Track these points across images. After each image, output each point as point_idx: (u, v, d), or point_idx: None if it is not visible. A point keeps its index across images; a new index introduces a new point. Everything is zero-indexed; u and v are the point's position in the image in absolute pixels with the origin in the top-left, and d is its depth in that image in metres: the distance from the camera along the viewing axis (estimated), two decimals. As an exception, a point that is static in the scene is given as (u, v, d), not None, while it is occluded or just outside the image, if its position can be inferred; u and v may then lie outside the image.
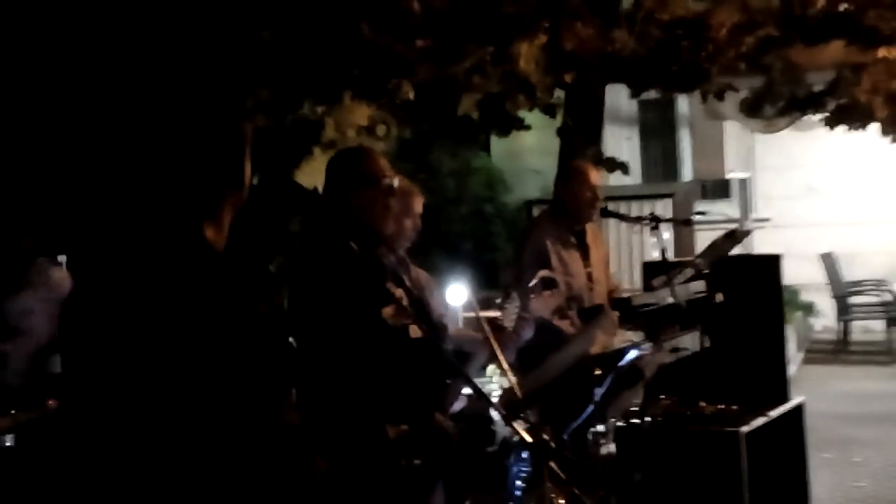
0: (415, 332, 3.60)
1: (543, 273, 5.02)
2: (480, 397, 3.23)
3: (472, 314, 4.28)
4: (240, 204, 2.35)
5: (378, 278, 3.59)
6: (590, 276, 5.58)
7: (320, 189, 3.79)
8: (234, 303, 2.16)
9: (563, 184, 5.67)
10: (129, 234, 2.30)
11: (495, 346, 3.55)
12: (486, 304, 5.07)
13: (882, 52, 8.27)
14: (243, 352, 2.12)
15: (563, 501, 3.74)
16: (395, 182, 3.77)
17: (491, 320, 4.04)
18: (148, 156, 2.32)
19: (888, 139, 9.73)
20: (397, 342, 3.53)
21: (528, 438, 3.01)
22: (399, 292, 3.63)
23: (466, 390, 4.37)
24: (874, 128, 9.68)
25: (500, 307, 4.10)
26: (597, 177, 5.62)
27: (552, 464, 2.98)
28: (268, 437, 2.13)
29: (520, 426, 3.04)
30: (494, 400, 3.90)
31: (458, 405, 4.45)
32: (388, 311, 3.54)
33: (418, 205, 4.37)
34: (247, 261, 2.38)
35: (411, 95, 6.81)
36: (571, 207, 5.55)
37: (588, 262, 5.55)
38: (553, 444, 3.14)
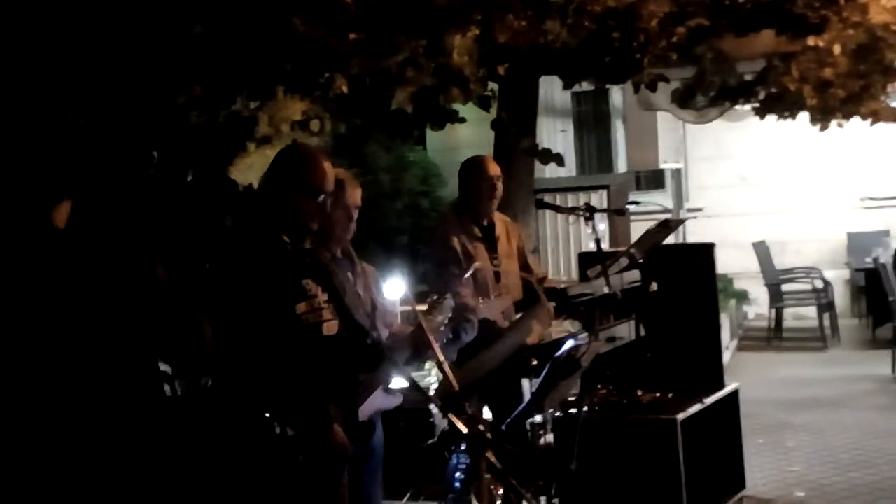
0: (329, 328, 3.58)
1: (477, 265, 5.03)
2: (417, 390, 3.23)
3: (408, 308, 4.27)
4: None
5: (295, 274, 3.56)
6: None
7: (255, 185, 3.77)
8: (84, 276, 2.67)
9: (463, 178, 5.66)
10: None
11: (432, 340, 3.55)
12: (422, 297, 5.05)
13: (811, 41, 8.36)
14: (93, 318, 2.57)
15: (501, 492, 3.76)
16: (329, 200, 3.73)
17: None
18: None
19: (817, 128, 9.84)
20: (307, 338, 3.52)
21: (465, 430, 3.02)
22: (315, 289, 3.61)
23: (403, 385, 4.37)
24: (804, 117, 9.79)
25: (430, 309, 4.06)
26: (495, 168, 5.61)
27: (489, 455, 2.99)
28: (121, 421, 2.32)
29: (457, 418, 3.04)
30: (432, 393, 3.89)
31: (395, 402, 4.43)
32: (301, 306, 3.53)
33: (355, 196, 4.31)
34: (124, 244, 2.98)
35: (345, 89, 6.77)
36: (472, 201, 5.55)
37: (495, 255, 5.53)
38: (490, 436, 3.15)
